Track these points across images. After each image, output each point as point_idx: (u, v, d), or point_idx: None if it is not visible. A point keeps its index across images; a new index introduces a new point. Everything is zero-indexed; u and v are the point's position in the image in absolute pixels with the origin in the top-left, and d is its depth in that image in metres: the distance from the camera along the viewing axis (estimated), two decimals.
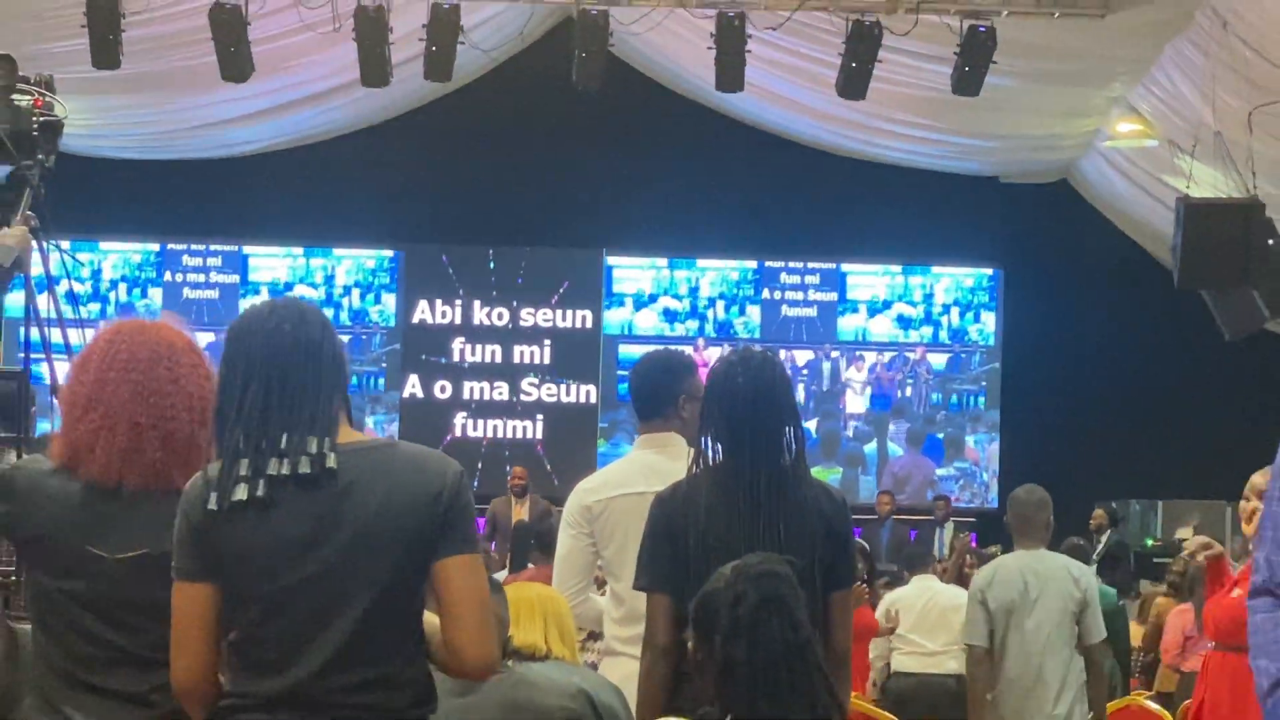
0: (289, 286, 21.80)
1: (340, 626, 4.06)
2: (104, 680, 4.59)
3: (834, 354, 22.17)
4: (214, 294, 21.76)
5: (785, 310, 22.12)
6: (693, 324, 22.05)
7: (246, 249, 22.01)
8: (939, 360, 22.29)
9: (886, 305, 22.13)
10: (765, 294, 22.16)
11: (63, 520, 4.60)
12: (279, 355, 4.11)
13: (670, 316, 22.10)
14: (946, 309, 22.22)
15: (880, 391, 22.23)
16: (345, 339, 19.15)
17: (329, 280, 22.05)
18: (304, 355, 4.13)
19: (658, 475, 5.79)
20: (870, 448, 22.32)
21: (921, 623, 13.26)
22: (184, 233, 21.82)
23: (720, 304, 22.20)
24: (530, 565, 11.97)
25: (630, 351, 21.36)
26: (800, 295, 22.15)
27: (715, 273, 22.24)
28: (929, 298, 22.21)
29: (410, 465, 4.16)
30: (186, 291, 21.71)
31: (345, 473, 4.07)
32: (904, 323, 22.20)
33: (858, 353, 22.24)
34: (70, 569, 4.60)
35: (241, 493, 4.03)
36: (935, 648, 13.13)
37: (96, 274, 21.28)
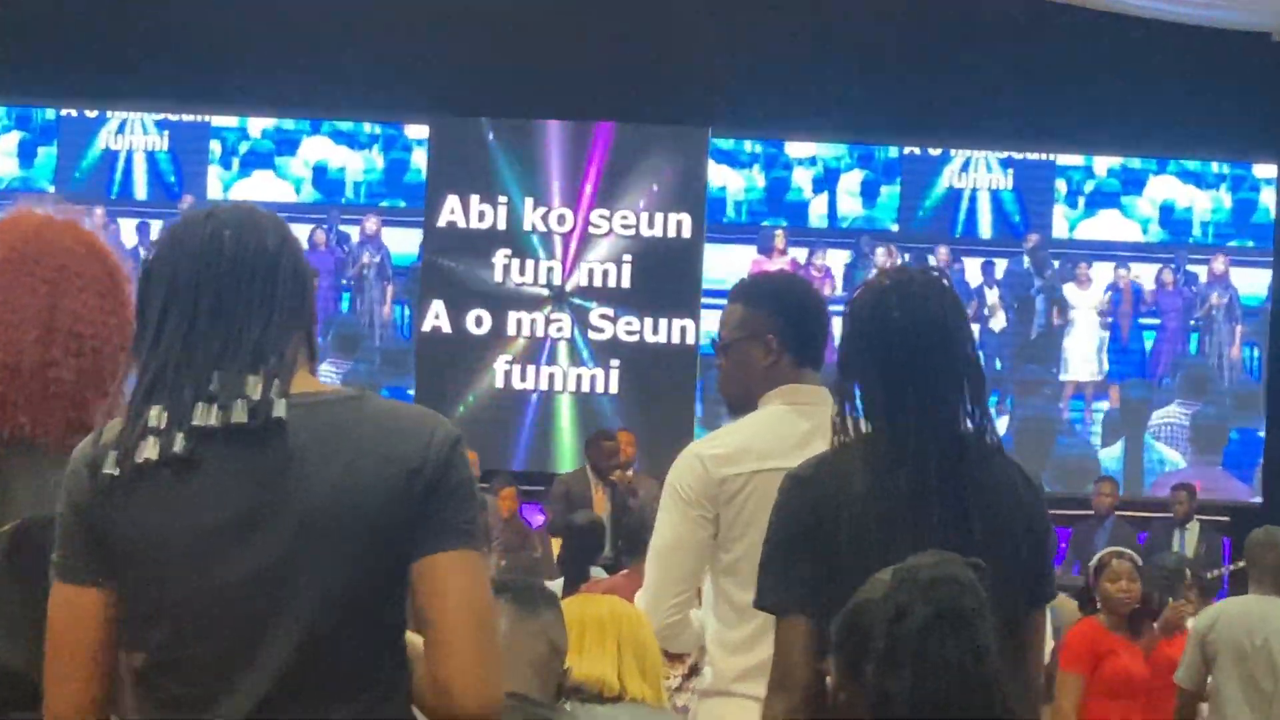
0: (267, 157, 17.11)
1: (283, 649, 3.03)
2: None
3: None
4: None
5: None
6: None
7: (204, 118, 17.08)
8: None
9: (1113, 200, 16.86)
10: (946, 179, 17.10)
11: None
12: (213, 271, 3.09)
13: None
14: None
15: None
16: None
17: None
18: (249, 271, 3.08)
19: (812, 446, 4.25)
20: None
21: None
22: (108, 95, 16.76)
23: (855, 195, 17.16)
24: (592, 573, 10.57)
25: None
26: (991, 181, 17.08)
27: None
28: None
29: (383, 425, 3.06)
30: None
31: (296, 432, 3.01)
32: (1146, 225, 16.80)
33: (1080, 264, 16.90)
34: None
35: (151, 450, 3.01)
36: None
37: None
